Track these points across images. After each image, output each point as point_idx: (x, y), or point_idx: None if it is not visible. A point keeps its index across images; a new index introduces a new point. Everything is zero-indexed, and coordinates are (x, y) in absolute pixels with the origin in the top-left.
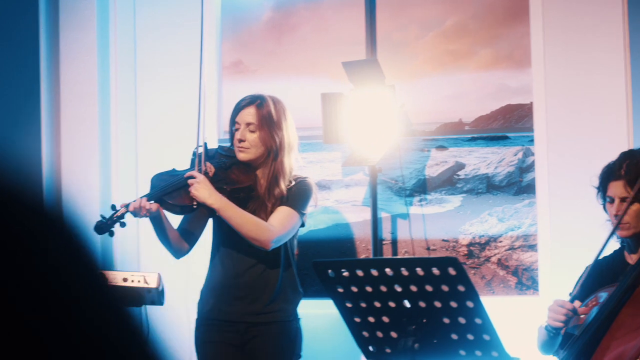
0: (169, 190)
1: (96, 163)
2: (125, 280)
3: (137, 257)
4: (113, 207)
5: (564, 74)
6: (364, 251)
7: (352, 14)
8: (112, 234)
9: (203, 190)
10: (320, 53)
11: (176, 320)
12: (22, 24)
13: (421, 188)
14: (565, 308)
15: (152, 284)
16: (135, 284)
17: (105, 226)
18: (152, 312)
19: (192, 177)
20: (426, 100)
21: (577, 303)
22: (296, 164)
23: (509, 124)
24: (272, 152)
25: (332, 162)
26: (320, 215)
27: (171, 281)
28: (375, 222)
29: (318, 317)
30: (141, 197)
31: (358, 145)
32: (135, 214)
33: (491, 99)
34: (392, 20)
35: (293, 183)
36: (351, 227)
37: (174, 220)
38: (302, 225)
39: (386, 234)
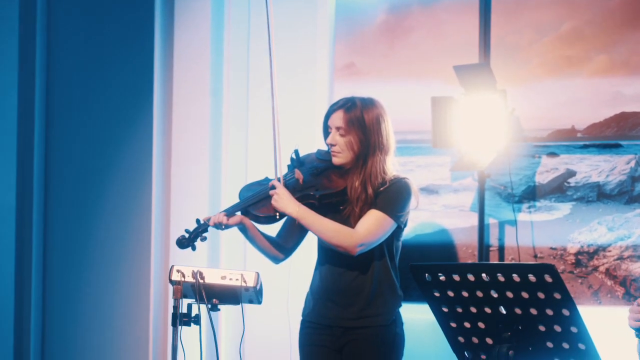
0: (254, 201)
1: (206, 167)
2: (223, 278)
3: (244, 255)
4: (197, 221)
5: None
6: (470, 257)
7: (467, 18)
8: (194, 248)
9: (281, 200)
10: (433, 56)
11: (276, 320)
12: (139, 24)
13: (530, 195)
14: None
15: (250, 282)
16: (233, 282)
17: (186, 241)
18: (252, 311)
19: (273, 187)
20: (538, 105)
21: None
22: (393, 167)
23: (623, 132)
24: (362, 156)
25: (441, 167)
26: (427, 220)
27: (274, 280)
28: (482, 228)
29: (422, 321)
30: (223, 211)
31: (467, 150)
32: (217, 227)
33: (605, 106)
34: (506, 24)
35: (387, 185)
36: (458, 233)
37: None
38: (401, 226)
39: (493, 240)
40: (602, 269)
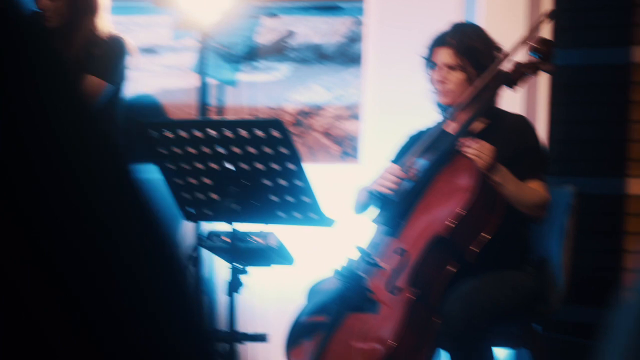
0: None
1: None
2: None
3: None
4: None
5: None
6: (190, 117)
7: None
8: None
9: None
10: None
11: None
12: None
13: (251, 55)
14: (396, 176)
15: None
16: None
17: None
18: None
19: None
20: None
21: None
22: (105, 26)
23: None
24: (71, 20)
25: (162, 27)
26: (147, 80)
27: None
28: (203, 88)
29: (148, 181)
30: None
31: (190, 9)
32: None
33: None
34: None
35: (100, 47)
36: (178, 93)
37: None
38: (118, 84)
39: (213, 100)
40: (319, 128)
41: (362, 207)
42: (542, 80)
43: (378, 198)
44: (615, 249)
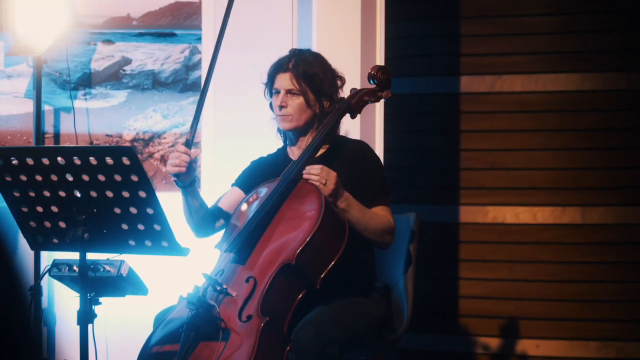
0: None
1: None
2: None
3: None
4: None
5: None
6: (26, 144)
7: None
8: None
9: None
10: None
11: None
12: None
13: (86, 82)
14: (180, 152)
15: None
16: None
17: None
18: None
19: None
20: None
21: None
22: None
23: (178, 22)
24: None
25: None
26: None
27: None
28: (39, 115)
29: None
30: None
31: (23, 35)
32: None
33: None
34: None
35: None
36: (12, 120)
37: None
38: None
39: (49, 127)
40: (157, 155)
41: (187, 213)
42: (377, 108)
43: (176, 180)
44: (452, 277)
